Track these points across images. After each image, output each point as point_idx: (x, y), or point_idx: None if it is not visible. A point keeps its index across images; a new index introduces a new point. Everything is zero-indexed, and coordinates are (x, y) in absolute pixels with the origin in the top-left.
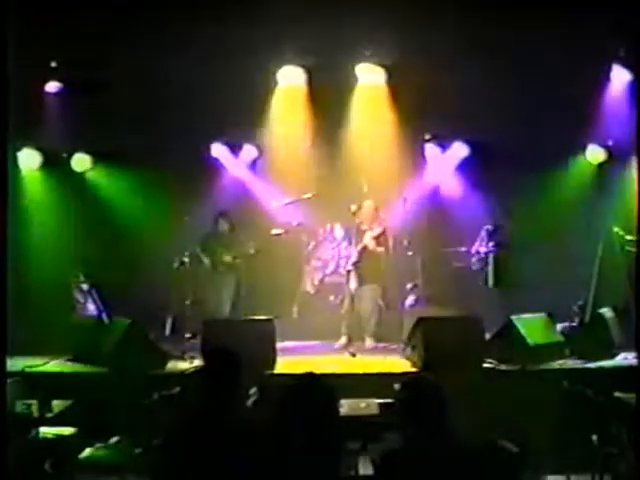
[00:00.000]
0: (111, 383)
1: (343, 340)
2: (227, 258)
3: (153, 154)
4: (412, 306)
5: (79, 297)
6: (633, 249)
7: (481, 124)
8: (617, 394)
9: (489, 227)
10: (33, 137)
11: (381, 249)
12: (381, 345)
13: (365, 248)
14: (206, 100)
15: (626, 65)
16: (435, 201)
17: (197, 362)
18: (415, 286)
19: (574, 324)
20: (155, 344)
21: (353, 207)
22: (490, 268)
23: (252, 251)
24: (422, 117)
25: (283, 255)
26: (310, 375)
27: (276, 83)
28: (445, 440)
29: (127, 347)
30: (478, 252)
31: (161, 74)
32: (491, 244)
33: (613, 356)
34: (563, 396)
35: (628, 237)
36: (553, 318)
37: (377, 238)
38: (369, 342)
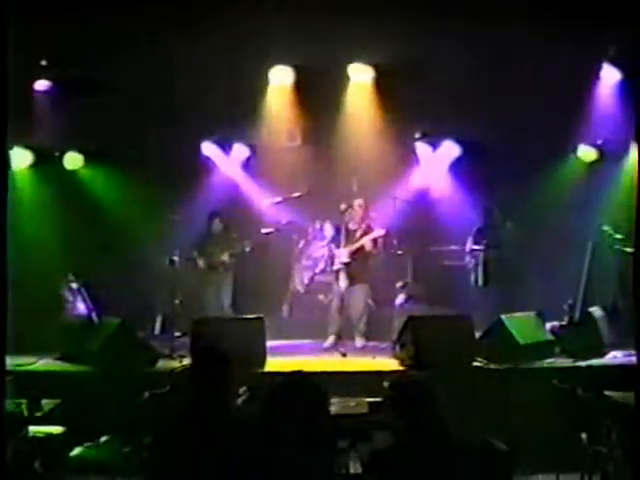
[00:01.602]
0: (100, 382)
1: (333, 339)
2: (224, 257)
3: (144, 153)
4: (402, 305)
5: (68, 296)
6: (623, 248)
7: (472, 123)
8: (607, 393)
9: (480, 226)
10: (24, 136)
11: (376, 251)
12: (371, 344)
13: (361, 249)
14: (197, 99)
15: (616, 64)
16: (426, 200)
17: (187, 361)
18: (405, 285)
19: (564, 323)
20: (145, 343)
21: (343, 206)
22: (480, 267)
23: (248, 249)
24: (413, 116)
25: (273, 254)
26: (300, 373)
27: (267, 82)
28: (435, 439)
29: (116, 346)
30: (472, 250)
31: (152, 73)
32: (482, 243)
33: (603, 355)
34: (553, 395)
35: (618, 236)
36: (543, 317)
37: (375, 240)
38: (359, 341)
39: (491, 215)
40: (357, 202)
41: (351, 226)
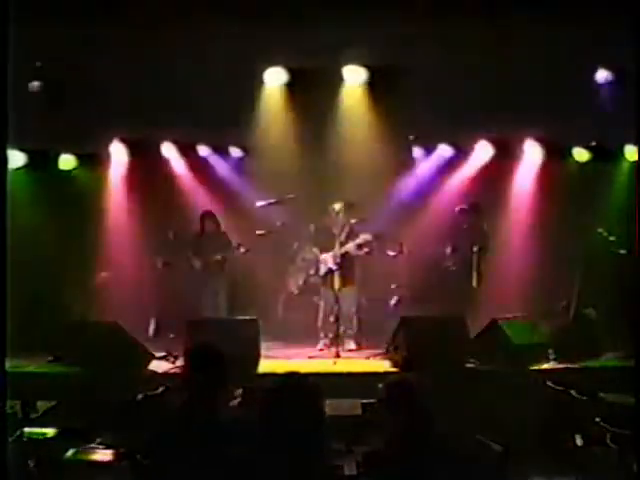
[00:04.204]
0: (95, 383)
1: (327, 340)
2: (218, 257)
3: (138, 154)
4: (396, 306)
5: (63, 297)
6: (617, 249)
7: (466, 125)
8: (601, 394)
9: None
10: (17, 136)
11: (363, 254)
12: (365, 345)
13: (346, 254)
14: (192, 101)
15: (610, 66)
16: (419, 201)
17: (180, 362)
18: (399, 286)
19: (558, 324)
20: (138, 344)
21: (337, 207)
22: (474, 268)
23: (242, 250)
24: (407, 118)
25: (267, 255)
26: (295, 375)
27: (262, 84)
28: (429, 440)
29: (110, 347)
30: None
31: (147, 75)
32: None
33: (597, 356)
34: (547, 396)
35: (612, 238)
36: (537, 318)
37: (361, 245)
38: (352, 342)
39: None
40: (339, 205)
41: (334, 230)
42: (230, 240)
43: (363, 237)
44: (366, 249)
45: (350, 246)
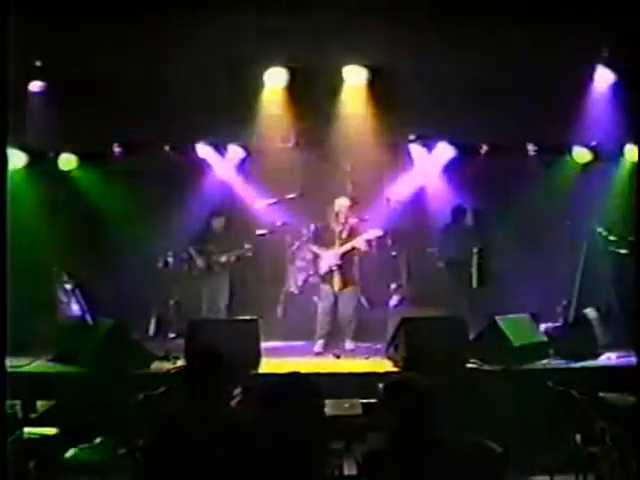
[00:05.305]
0: (95, 383)
1: (326, 340)
2: (222, 258)
3: (139, 154)
4: (396, 306)
5: (62, 297)
6: (617, 249)
7: (466, 124)
8: (601, 394)
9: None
10: (17, 136)
11: (370, 252)
12: (364, 345)
13: (353, 250)
14: (192, 100)
15: (610, 65)
16: (420, 201)
17: (181, 362)
18: (399, 286)
19: (558, 324)
20: (139, 344)
21: (337, 207)
22: (474, 269)
23: (250, 254)
24: (407, 118)
25: (267, 255)
26: (295, 375)
27: (262, 84)
28: (429, 440)
29: (111, 347)
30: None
31: (147, 75)
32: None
33: (597, 356)
34: (547, 396)
35: (611, 237)
36: (537, 318)
37: (370, 241)
38: (349, 344)
39: (482, 216)
40: (342, 202)
41: (335, 227)
42: (238, 241)
43: (373, 232)
44: (373, 248)
45: (360, 241)
